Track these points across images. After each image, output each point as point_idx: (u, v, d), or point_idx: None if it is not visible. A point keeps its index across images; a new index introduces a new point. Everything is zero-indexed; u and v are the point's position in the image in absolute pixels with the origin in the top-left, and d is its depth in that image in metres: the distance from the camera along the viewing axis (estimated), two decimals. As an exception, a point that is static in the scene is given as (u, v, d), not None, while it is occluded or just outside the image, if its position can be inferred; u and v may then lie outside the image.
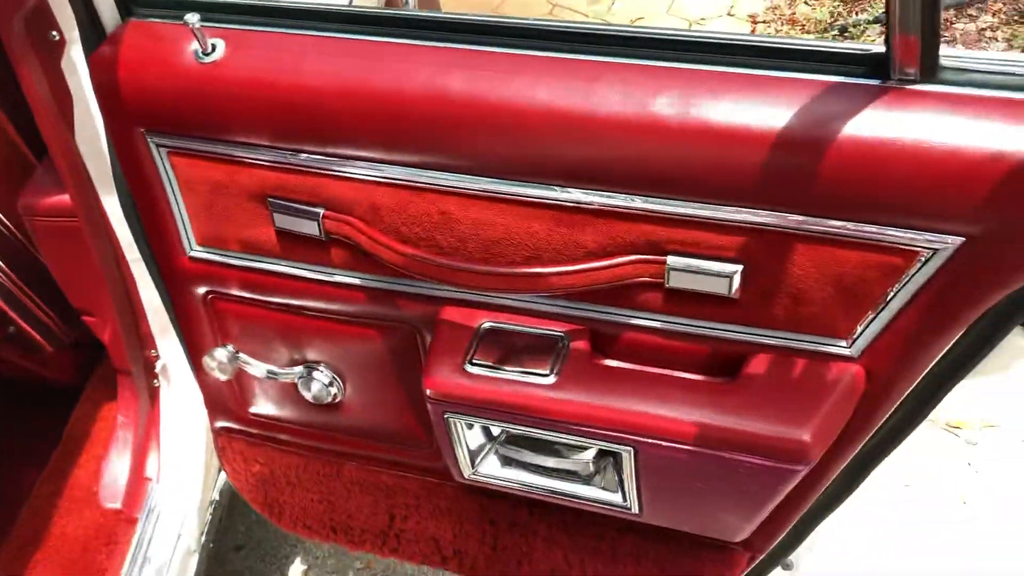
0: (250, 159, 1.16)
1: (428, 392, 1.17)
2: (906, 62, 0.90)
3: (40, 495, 1.78)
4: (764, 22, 4.09)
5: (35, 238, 1.66)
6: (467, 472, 1.30)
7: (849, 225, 0.95)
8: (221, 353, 1.33)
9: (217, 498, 1.85)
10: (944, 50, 0.92)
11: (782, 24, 4.07)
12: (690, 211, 1.00)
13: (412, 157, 1.09)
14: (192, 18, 1.07)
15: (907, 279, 0.97)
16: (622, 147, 0.99)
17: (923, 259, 0.95)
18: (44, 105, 1.33)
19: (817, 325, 1.04)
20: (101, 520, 1.72)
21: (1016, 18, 3.83)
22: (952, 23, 3.89)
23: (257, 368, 1.38)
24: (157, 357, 1.70)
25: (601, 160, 1.01)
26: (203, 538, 1.78)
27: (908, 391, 1.07)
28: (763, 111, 0.94)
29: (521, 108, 1.01)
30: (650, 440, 1.10)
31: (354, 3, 2.35)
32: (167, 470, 1.78)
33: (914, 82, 0.92)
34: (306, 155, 1.13)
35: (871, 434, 1.13)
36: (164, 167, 1.22)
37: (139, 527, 1.70)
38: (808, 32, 3.97)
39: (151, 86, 1.15)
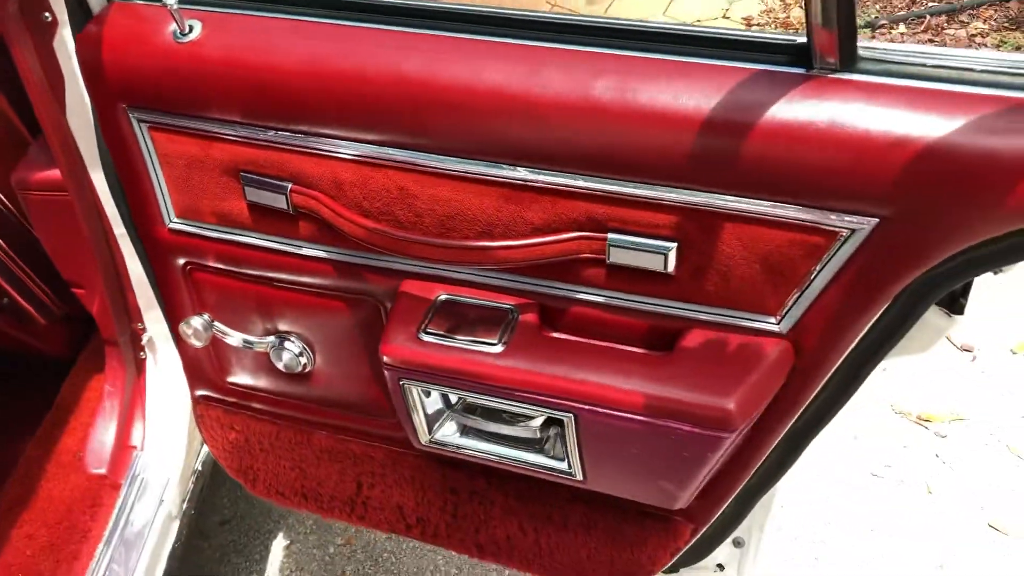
0: (224, 134, 1.23)
1: (384, 358, 1.24)
2: (826, 52, 0.96)
3: (29, 459, 1.84)
4: (758, 25, 4.15)
5: (28, 212, 1.73)
6: (424, 438, 1.36)
7: (773, 206, 1.01)
8: (197, 321, 1.40)
9: (200, 468, 1.91)
10: (863, 42, 0.98)
11: (776, 27, 4.13)
12: (628, 190, 1.06)
13: (372, 135, 1.15)
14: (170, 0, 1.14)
15: (829, 258, 1.02)
16: (564, 128, 1.05)
17: (842, 239, 1.00)
18: (37, 84, 1.39)
19: (747, 302, 1.10)
20: (86, 484, 1.78)
21: (1006, 24, 3.88)
22: (943, 28, 3.94)
23: (232, 337, 1.44)
24: (144, 330, 1.77)
25: (545, 140, 1.07)
26: (184, 505, 1.85)
27: (836, 366, 1.12)
28: (695, 96, 1.00)
29: (472, 90, 1.08)
30: (588, 407, 1.16)
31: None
32: (151, 439, 1.84)
33: (835, 71, 0.97)
34: (274, 132, 1.19)
35: (803, 407, 1.18)
36: (144, 141, 1.29)
37: (123, 492, 1.76)
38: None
39: (132, 64, 1.22)
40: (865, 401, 2.54)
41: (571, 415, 1.18)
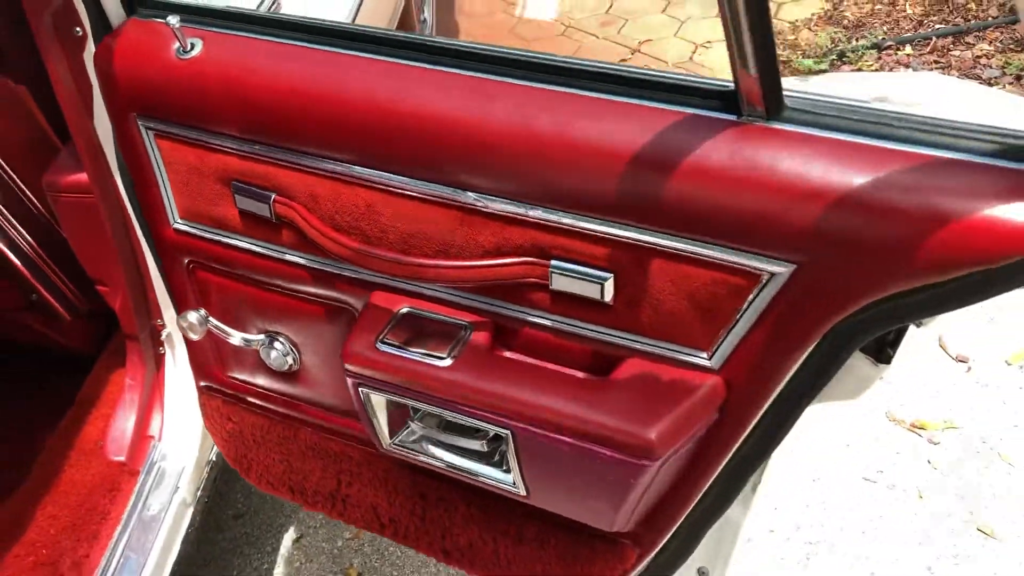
0: (218, 145, 1.32)
1: (345, 365, 1.30)
2: (752, 101, 0.99)
3: (53, 447, 1.95)
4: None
5: (57, 213, 1.84)
6: (385, 443, 1.41)
7: (699, 245, 1.05)
8: (192, 315, 1.47)
9: (213, 459, 2.01)
10: (793, 92, 1.01)
11: (784, 48, 4.21)
12: (568, 220, 1.11)
13: (345, 153, 1.23)
14: (173, 19, 1.24)
15: (752, 299, 1.06)
16: (509, 158, 1.12)
17: (763, 281, 1.03)
18: (68, 93, 1.51)
19: (681, 335, 1.14)
20: (106, 471, 1.89)
21: (1011, 46, 3.94)
22: (949, 50, 4.01)
23: (230, 335, 1.53)
24: (163, 326, 1.88)
25: (492, 169, 1.14)
26: (199, 493, 1.95)
27: (768, 403, 1.14)
28: (627, 136, 1.04)
29: (430, 117, 1.15)
30: (522, 424, 1.21)
31: (361, 21, 2.54)
32: (168, 430, 1.95)
33: (762, 119, 1.00)
34: (261, 145, 1.28)
35: (741, 441, 1.20)
36: (152, 148, 1.38)
37: (140, 478, 1.87)
38: (808, 56, 4.11)
39: (141, 76, 1.32)
40: (860, 409, 2.61)
41: (509, 431, 1.23)
